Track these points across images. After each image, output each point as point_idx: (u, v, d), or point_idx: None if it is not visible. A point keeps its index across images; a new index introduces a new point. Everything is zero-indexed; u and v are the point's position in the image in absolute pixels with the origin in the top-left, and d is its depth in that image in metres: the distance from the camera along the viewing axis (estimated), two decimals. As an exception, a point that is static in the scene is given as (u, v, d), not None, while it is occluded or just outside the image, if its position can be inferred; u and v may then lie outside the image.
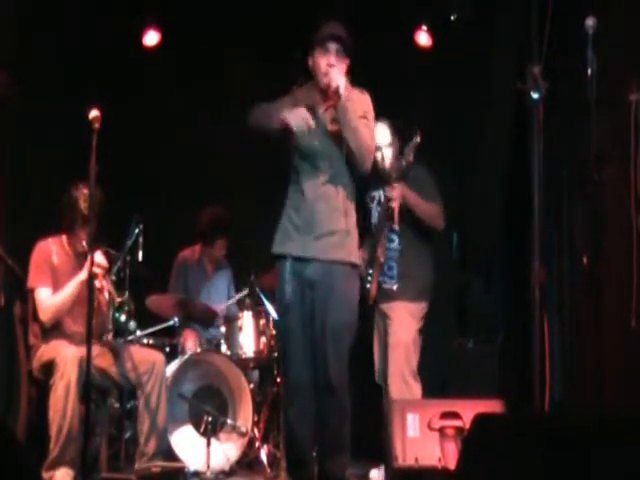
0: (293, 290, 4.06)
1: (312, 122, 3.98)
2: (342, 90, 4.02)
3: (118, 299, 4.62)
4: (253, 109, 4.16)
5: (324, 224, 4.07)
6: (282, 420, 5.07)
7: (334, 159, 4.11)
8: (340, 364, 4.05)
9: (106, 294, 4.64)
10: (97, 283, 4.53)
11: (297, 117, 3.99)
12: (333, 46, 4.11)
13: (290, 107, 4.05)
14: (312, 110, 4.11)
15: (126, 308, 4.66)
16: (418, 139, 4.69)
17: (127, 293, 4.85)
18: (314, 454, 4.17)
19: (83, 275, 4.46)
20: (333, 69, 4.06)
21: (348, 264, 4.10)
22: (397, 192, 4.80)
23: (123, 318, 4.71)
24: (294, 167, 4.18)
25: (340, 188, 4.11)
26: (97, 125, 4.08)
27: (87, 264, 4.30)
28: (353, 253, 4.13)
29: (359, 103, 4.13)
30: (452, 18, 6.03)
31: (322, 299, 4.04)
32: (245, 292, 5.65)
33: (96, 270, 4.44)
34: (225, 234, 5.88)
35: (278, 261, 4.14)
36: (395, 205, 4.80)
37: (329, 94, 4.09)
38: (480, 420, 2.79)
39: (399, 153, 4.87)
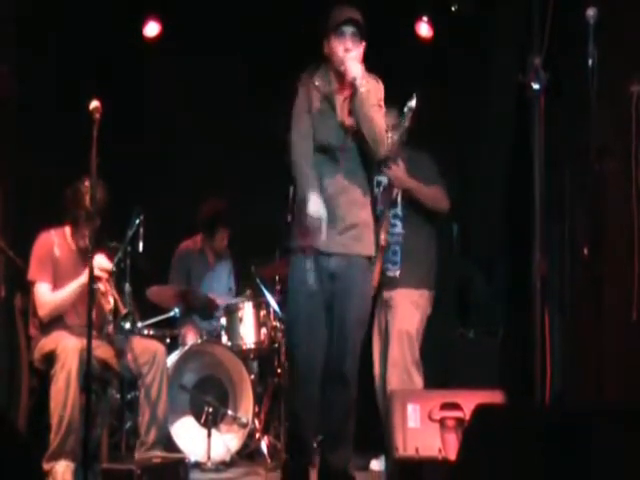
0: (314, 279, 3.99)
1: (324, 216, 3.88)
2: (359, 81, 3.95)
3: (124, 310, 4.55)
4: (289, 148, 4.06)
5: (346, 218, 4.04)
6: (284, 409, 5.09)
7: (352, 152, 4.08)
8: (354, 357, 4.04)
9: (110, 299, 4.60)
10: (101, 287, 4.53)
11: (313, 210, 3.89)
12: (349, 29, 4.02)
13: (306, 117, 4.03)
14: (329, 102, 4.08)
15: (131, 318, 4.63)
16: (414, 102, 4.60)
17: (129, 289, 4.78)
18: (315, 445, 4.17)
19: (84, 278, 4.41)
20: (349, 59, 3.96)
21: (366, 257, 4.10)
22: (393, 172, 4.79)
23: (127, 325, 4.67)
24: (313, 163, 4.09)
25: (358, 180, 4.09)
26: (98, 115, 4.04)
27: (88, 269, 4.19)
28: (371, 245, 4.12)
29: (374, 91, 4.08)
30: (452, 9, 6.03)
31: (342, 291, 4.01)
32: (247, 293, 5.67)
33: (100, 274, 4.44)
34: (226, 224, 5.89)
35: (295, 253, 4.08)
36: (395, 185, 4.80)
37: (345, 84, 4.03)
38: (480, 411, 2.80)
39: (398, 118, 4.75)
